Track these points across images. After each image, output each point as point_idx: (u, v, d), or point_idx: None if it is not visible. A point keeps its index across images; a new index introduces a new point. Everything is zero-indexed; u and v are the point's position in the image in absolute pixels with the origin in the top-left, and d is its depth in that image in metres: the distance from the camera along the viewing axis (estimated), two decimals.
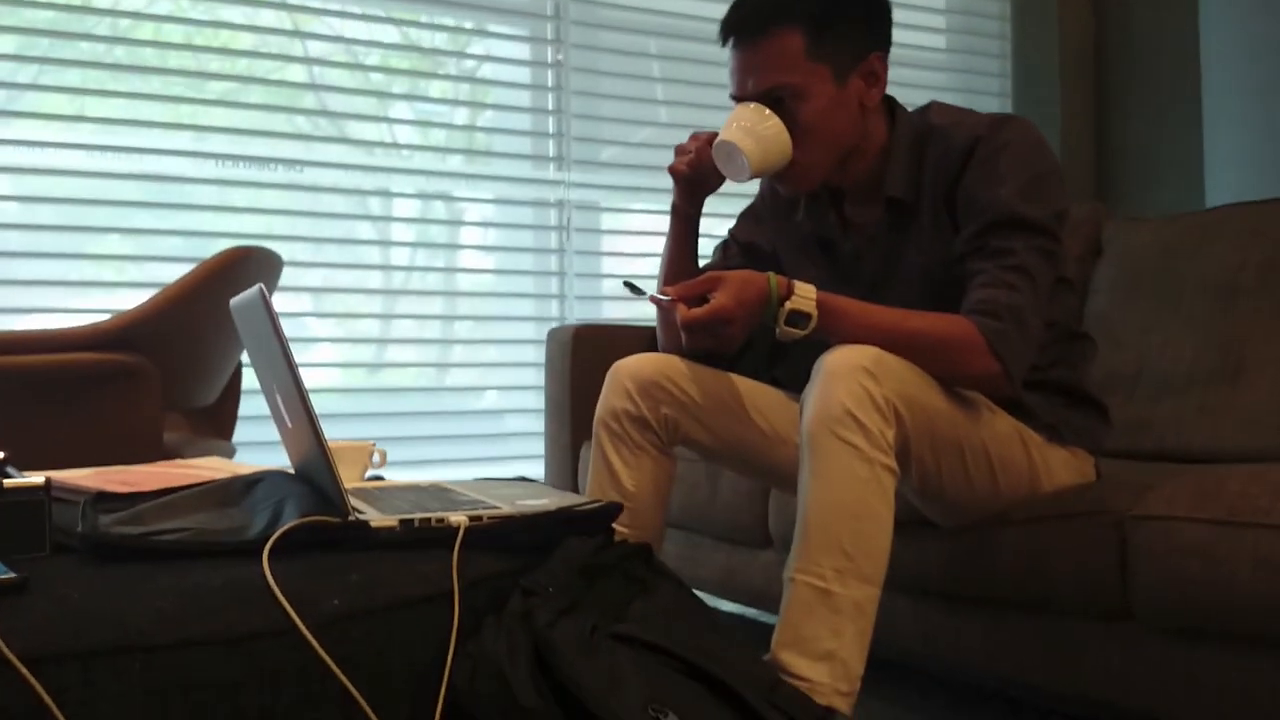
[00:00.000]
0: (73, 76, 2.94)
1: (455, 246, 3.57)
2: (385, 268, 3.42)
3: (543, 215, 3.64)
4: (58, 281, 2.96)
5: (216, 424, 2.86)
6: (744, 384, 1.79)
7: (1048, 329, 1.64)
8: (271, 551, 1.03)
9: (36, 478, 1.09)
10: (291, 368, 1.14)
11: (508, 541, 1.17)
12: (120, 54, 3.00)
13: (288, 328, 3.28)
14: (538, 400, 3.22)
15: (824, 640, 1.37)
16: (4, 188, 2.93)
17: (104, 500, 1.30)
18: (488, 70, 3.61)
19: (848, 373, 1.43)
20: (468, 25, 3.51)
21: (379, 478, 1.71)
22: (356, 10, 3.26)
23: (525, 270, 3.62)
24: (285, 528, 1.06)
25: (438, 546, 1.11)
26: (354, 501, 1.26)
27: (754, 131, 1.61)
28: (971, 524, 1.68)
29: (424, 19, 3.42)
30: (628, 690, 0.97)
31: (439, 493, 1.35)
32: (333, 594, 0.99)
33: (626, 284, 1.64)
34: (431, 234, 3.53)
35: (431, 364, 3.50)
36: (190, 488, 1.33)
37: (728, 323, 1.52)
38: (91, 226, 2.98)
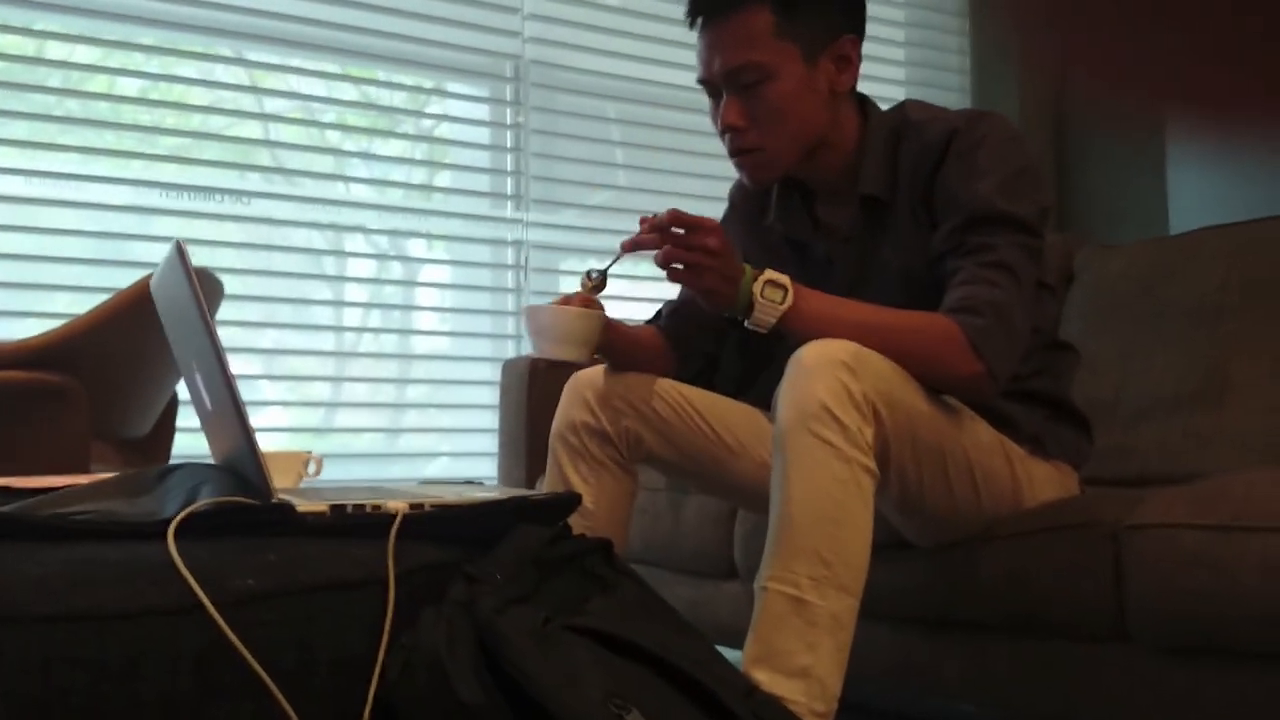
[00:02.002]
0: (20, 129, 2.79)
1: (410, 308, 3.42)
2: (338, 329, 3.28)
3: (500, 254, 3.55)
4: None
5: (148, 458, 2.70)
6: (707, 396, 1.69)
7: (1030, 337, 1.56)
8: (179, 531, 0.90)
9: None
10: (211, 335, 1.02)
11: (452, 531, 1.04)
12: (72, 106, 2.88)
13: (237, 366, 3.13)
14: (491, 443, 3.08)
15: (798, 655, 1.25)
16: None
17: (7, 493, 1.17)
18: (446, 130, 3.53)
19: (824, 366, 1.33)
20: (427, 85, 3.41)
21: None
22: (314, 67, 3.16)
23: (481, 309, 3.52)
24: (196, 505, 0.93)
25: (372, 535, 0.98)
26: (284, 496, 1.14)
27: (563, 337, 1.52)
28: (951, 542, 1.57)
29: (382, 77, 3.33)
30: (585, 683, 0.85)
31: (377, 489, 1.23)
32: (247, 573, 0.86)
33: (588, 274, 1.55)
34: (386, 294, 3.39)
35: (384, 429, 3.36)
36: (100, 479, 1.20)
37: (708, 252, 1.41)
38: (26, 255, 2.83)
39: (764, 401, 1.73)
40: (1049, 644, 1.50)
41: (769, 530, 1.33)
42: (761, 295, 1.43)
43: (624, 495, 1.65)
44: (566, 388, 1.68)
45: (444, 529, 1.04)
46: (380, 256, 3.40)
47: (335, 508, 1.02)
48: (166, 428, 2.75)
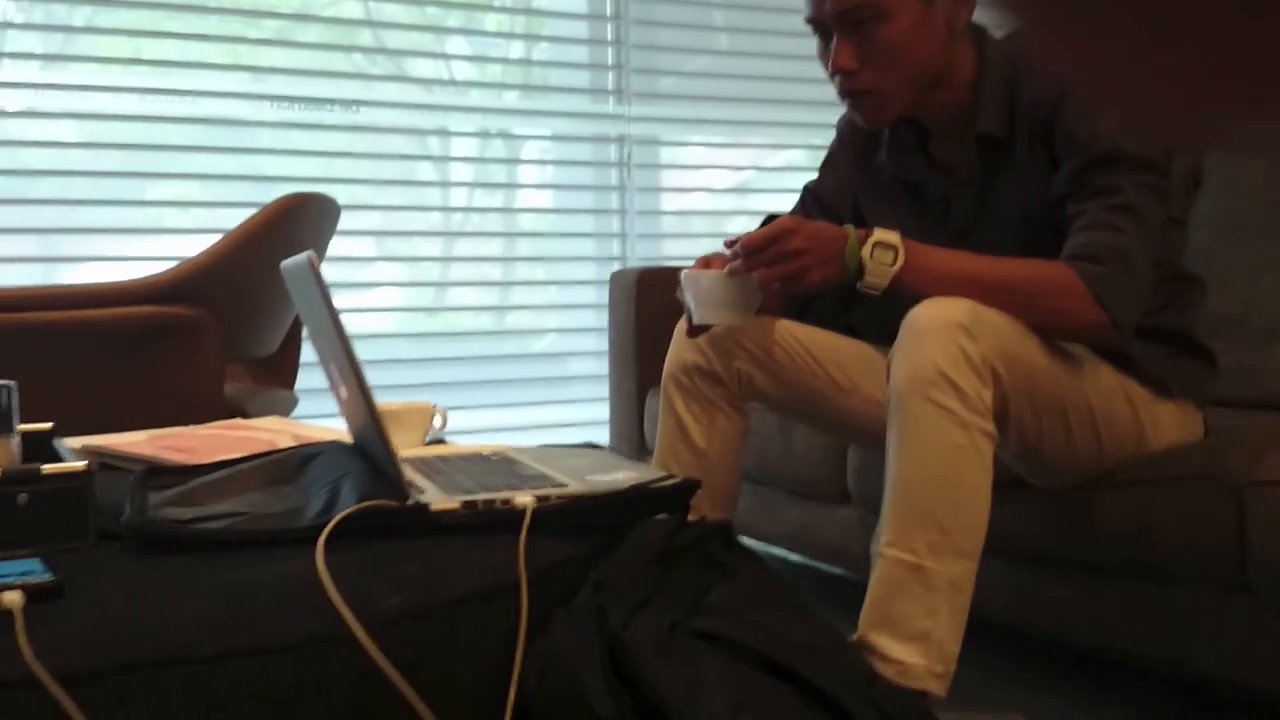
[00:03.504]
0: (127, 17, 2.88)
1: (514, 186, 3.48)
2: (444, 209, 3.34)
3: (602, 151, 3.53)
4: (116, 229, 2.92)
5: (278, 373, 2.81)
6: (817, 334, 1.69)
7: (1155, 271, 1.52)
8: (326, 541, 0.95)
9: (78, 462, 1.02)
10: (343, 340, 1.06)
11: (577, 524, 1.08)
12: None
13: (347, 272, 3.24)
14: (599, 342, 3.13)
15: (917, 620, 1.27)
16: (61, 133, 2.88)
17: (155, 476, 1.24)
18: (544, 1, 3.50)
19: (941, 329, 1.32)
20: None
21: (440, 440, 1.63)
22: None
23: (585, 209, 3.52)
24: (341, 515, 0.98)
25: (502, 531, 1.02)
26: (414, 477, 1.19)
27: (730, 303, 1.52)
28: (1072, 485, 1.57)
29: None
30: (712, 698, 0.89)
31: (503, 464, 1.27)
32: (391, 590, 0.91)
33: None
34: (490, 173, 3.44)
35: (491, 307, 3.43)
36: (246, 459, 1.27)
37: (798, 253, 1.42)
38: (148, 172, 2.94)
39: (870, 322, 1.72)
40: (1167, 591, 1.50)
41: (885, 494, 1.34)
42: (871, 258, 1.41)
43: (736, 434, 1.68)
44: (678, 330, 1.70)
45: (569, 522, 1.08)
46: (481, 159, 3.42)
47: (467, 504, 1.06)
48: (292, 344, 2.85)
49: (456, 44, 3.35)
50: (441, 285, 3.37)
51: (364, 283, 3.22)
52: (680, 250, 3.57)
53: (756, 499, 2.26)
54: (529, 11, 3.48)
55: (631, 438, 2.57)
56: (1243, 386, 1.96)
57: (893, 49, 1.51)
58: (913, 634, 1.27)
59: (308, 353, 2.89)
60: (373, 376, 3.19)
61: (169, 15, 2.91)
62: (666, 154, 3.69)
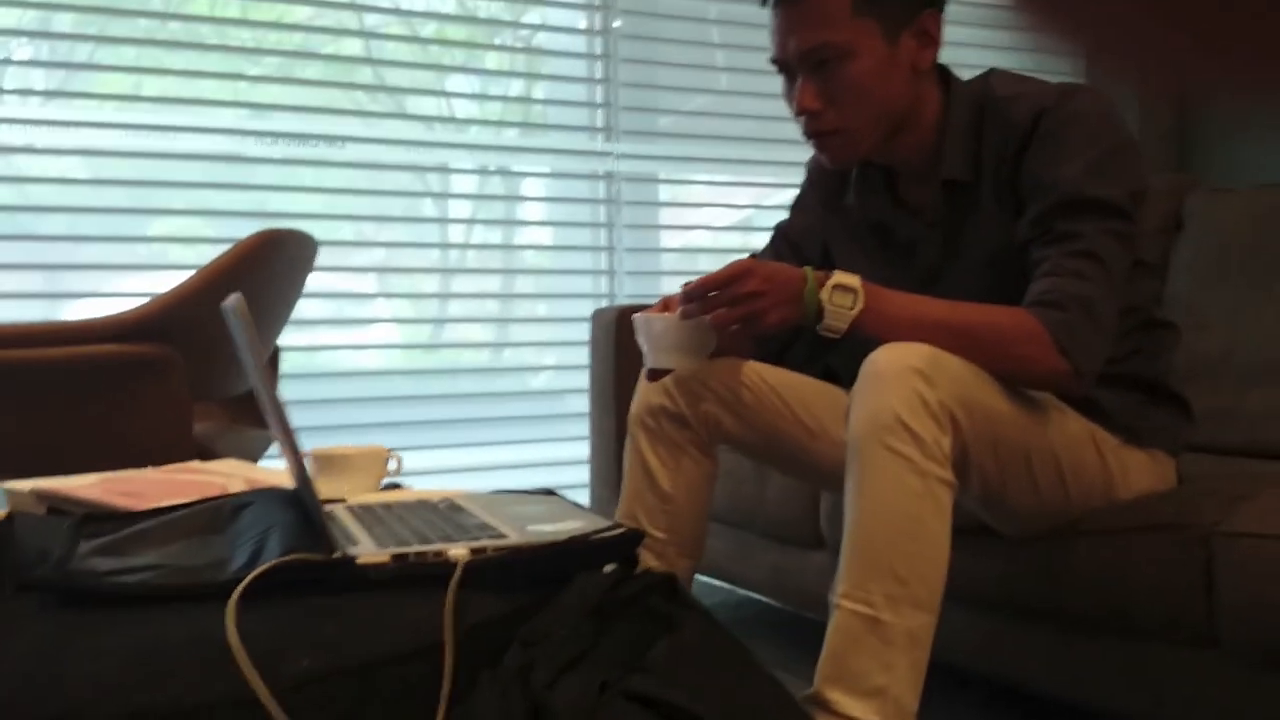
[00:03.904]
0: (127, 54, 2.90)
1: (509, 223, 3.49)
2: (441, 246, 3.35)
3: (592, 188, 3.52)
4: (119, 265, 2.92)
5: (252, 412, 2.78)
6: (786, 376, 1.66)
7: (1124, 317, 1.49)
8: (244, 596, 0.92)
9: None
10: (269, 385, 1.03)
11: (514, 578, 1.05)
12: (174, 29, 2.95)
13: (343, 307, 3.24)
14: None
15: (873, 675, 1.24)
16: (64, 168, 2.89)
17: (90, 523, 1.21)
18: (537, 40, 3.51)
19: (898, 374, 1.29)
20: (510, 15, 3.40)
21: (395, 484, 1.60)
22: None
23: (575, 245, 3.51)
24: (258, 570, 0.95)
25: (433, 585, 0.99)
26: (350, 526, 1.16)
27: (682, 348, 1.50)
28: (1038, 534, 1.53)
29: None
30: None
31: (447, 513, 1.24)
32: (305, 649, 0.88)
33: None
34: (486, 210, 3.46)
35: (487, 344, 3.43)
36: (180, 507, 1.24)
37: (754, 295, 1.39)
38: (151, 209, 2.95)
39: (848, 363, 1.69)
40: (1135, 644, 1.46)
41: (843, 544, 1.31)
42: (830, 302, 1.39)
43: (704, 478, 1.64)
44: (643, 372, 1.67)
45: (504, 575, 1.04)
46: (479, 195, 3.44)
47: (397, 557, 1.03)
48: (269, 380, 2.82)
49: (455, 82, 3.37)
50: (438, 321, 3.37)
51: (349, 320, 3.21)
52: (671, 288, 3.55)
53: (732, 542, 2.22)
54: (524, 50, 3.49)
55: (610, 479, 2.53)
56: (1221, 431, 1.93)
57: (857, 89, 1.49)
58: (869, 689, 1.23)
59: (285, 388, 2.87)
60: (369, 413, 3.19)
61: (169, 52, 2.92)
62: (656, 191, 3.68)
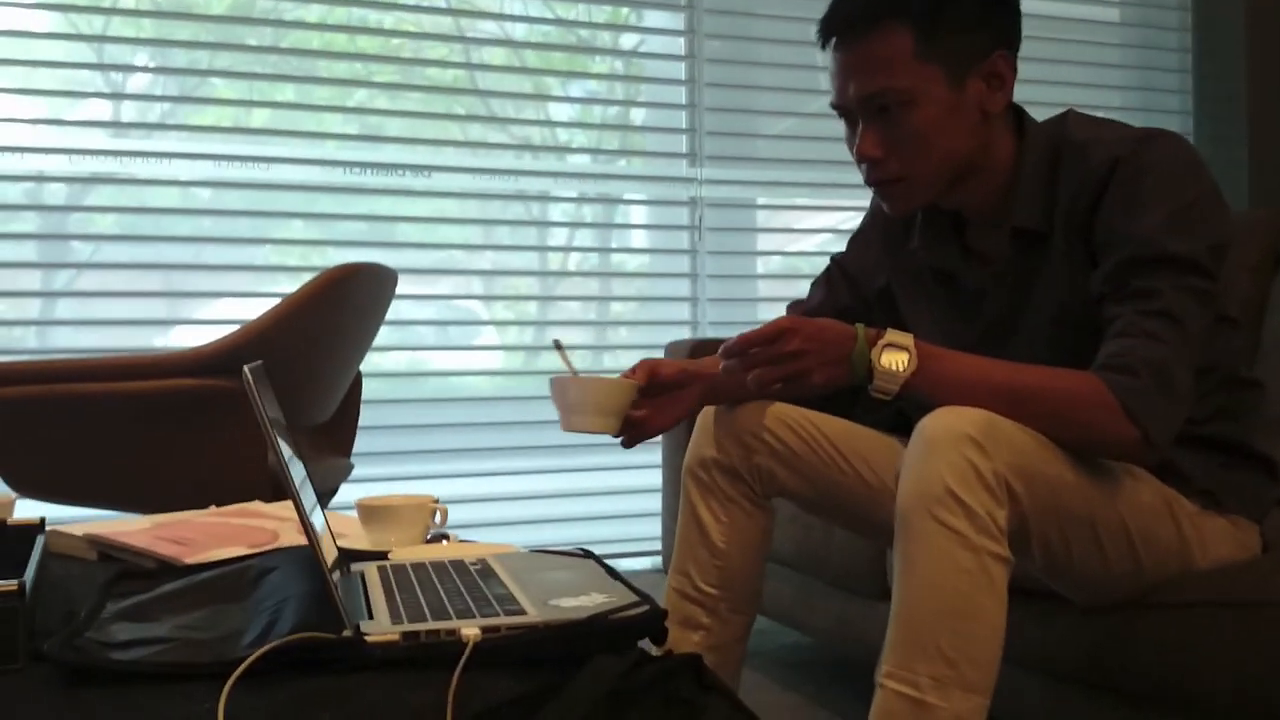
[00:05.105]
0: (235, 87, 3.01)
1: (603, 250, 3.53)
2: (540, 274, 3.41)
3: (676, 215, 3.49)
4: (235, 293, 3.04)
5: (334, 440, 2.80)
6: (848, 429, 1.59)
7: (1204, 376, 1.40)
8: (250, 673, 0.91)
9: (10, 582, 0.99)
10: (279, 453, 1.02)
11: (527, 659, 1.01)
12: (276, 61, 3.06)
13: (439, 335, 3.35)
14: None
15: None
16: (180, 199, 3.01)
17: (122, 581, 1.21)
18: (617, 66, 3.51)
19: (950, 442, 1.23)
20: (599, 19, 3.41)
21: (443, 535, 1.59)
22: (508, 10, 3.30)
23: (661, 273, 3.50)
24: (260, 651, 0.93)
25: (442, 666, 0.96)
26: (374, 591, 1.14)
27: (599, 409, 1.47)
28: (1110, 604, 1.45)
29: (568, 14, 3.39)
30: None
31: (475, 579, 1.21)
32: None
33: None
34: (579, 238, 3.52)
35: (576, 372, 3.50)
36: (215, 565, 1.23)
37: (797, 354, 1.34)
38: (266, 239, 3.08)
39: (915, 415, 1.63)
40: None
41: (890, 619, 1.25)
42: (880, 362, 1.32)
43: (758, 532, 1.59)
44: (698, 421, 1.63)
45: (517, 656, 1.01)
46: (574, 225, 3.49)
47: (407, 635, 1.01)
48: (350, 409, 2.84)
49: (552, 110, 3.42)
50: (533, 349, 3.40)
51: (471, 322, 3.28)
52: (755, 315, 3.50)
53: (799, 587, 2.17)
54: (615, 77, 3.50)
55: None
56: None
57: (920, 137, 1.42)
58: None
59: (368, 414, 2.89)
60: (466, 439, 3.29)
61: (273, 85, 3.06)
62: (741, 216, 3.63)
